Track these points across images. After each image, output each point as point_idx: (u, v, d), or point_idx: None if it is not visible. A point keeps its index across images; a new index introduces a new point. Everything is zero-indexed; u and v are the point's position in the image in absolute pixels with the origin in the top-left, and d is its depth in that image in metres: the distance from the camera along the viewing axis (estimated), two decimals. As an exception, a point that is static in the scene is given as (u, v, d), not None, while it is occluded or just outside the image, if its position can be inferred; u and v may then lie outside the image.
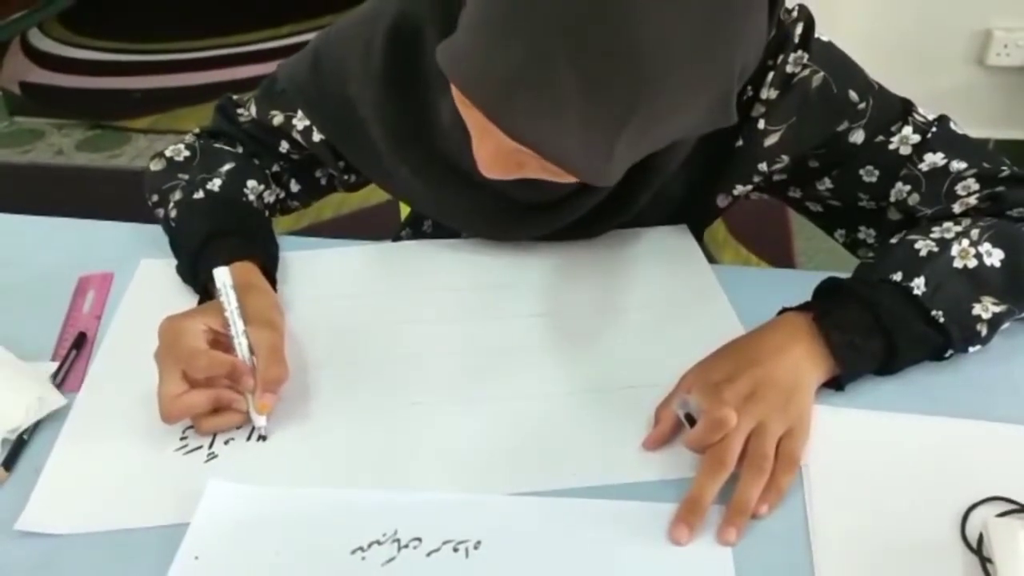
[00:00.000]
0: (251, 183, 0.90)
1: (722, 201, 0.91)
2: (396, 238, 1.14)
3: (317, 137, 0.90)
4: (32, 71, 3.48)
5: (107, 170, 2.81)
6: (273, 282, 0.84)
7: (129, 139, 2.98)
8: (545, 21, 0.54)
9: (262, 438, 0.71)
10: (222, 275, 0.74)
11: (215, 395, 0.70)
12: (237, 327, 0.72)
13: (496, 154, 0.64)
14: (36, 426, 0.72)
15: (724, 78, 0.61)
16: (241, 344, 0.72)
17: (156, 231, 0.92)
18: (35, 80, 3.40)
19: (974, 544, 0.60)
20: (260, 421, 0.71)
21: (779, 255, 2.21)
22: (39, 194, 2.71)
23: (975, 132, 0.81)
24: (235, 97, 0.96)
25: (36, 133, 3.04)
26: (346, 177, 0.96)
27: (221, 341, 0.72)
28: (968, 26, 2.36)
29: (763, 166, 0.84)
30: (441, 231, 0.99)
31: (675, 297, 0.85)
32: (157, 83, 3.35)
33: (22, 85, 3.36)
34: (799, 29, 0.79)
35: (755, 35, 0.62)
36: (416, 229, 1.10)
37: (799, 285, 0.78)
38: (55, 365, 0.78)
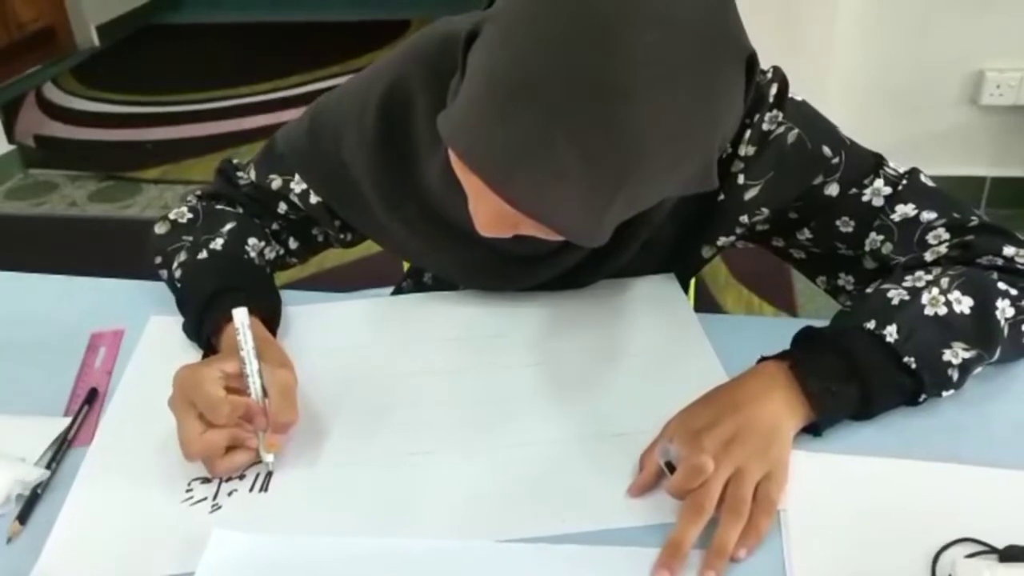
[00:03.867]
0: (252, 240, 0.94)
1: (707, 252, 0.95)
2: (398, 288, 1.18)
3: (314, 199, 0.94)
4: (46, 124, 3.56)
5: (119, 220, 2.86)
6: (274, 335, 0.88)
7: (140, 189, 3.05)
8: (547, 100, 0.59)
9: (269, 474, 0.75)
10: (241, 315, 0.78)
11: (232, 434, 0.74)
12: (252, 366, 0.76)
13: (493, 216, 0.68)
14: (49, 480, 0.75)
15: (706, 150, 0.66)
16: (255, 383, 0.76)
17: (164, 288, 0.95)
18: (49, 133, 3.48)
19: (944, 584, 0.63)
20: (269, 458, 0.75)
21: (780, 296, 2.24)
22: (54, 245, 2.76)
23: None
24: (235, 161, 1.01)
25: (50, 185, 3.11)
26: (342, 236, 1.00)
27: (233, 387, 0.76)
28: (961, 68, 2.41)
29: (744, 218, 0.88)
30: (442, 282, 1.02)
31: (661, 346, 0.88)
32: (167, 134, 3.42)
33: (36, 138, 3.43)
34: (774, 90, 0.83)
35: (734, 109, 0.67)
36: (417, 280, 1.14)
37: (784, 333, 0.80)
38: (68, 420, 0.81)
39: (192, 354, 0.87)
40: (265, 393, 0.76)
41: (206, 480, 0.75)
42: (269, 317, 0.88)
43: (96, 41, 4.42)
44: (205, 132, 3.41)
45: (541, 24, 0.60)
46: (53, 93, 3.86)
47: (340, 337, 0.92)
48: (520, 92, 0.60)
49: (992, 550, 0.65)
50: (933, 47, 2.38)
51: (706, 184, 0.69)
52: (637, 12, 0.59)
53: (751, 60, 0.67)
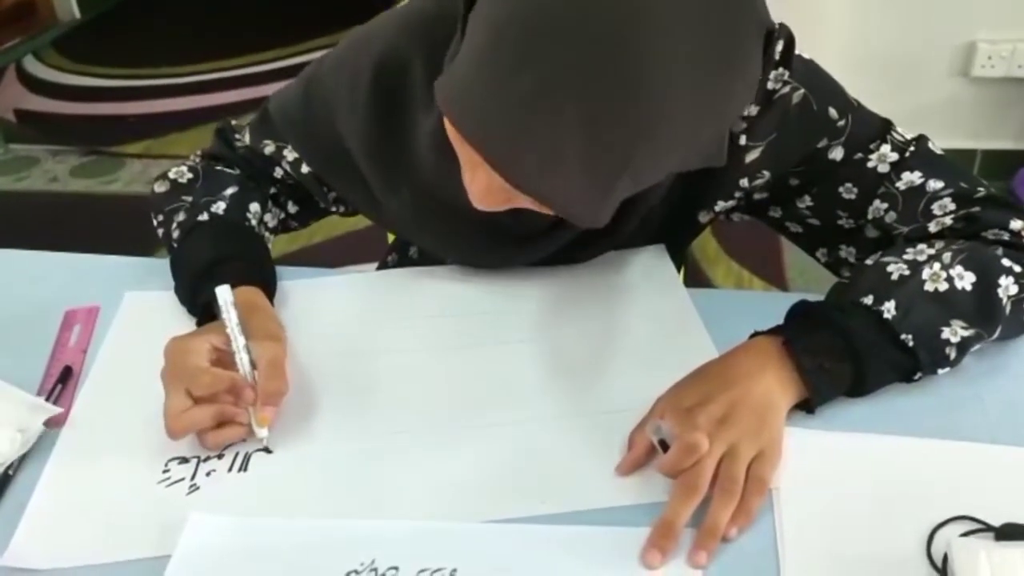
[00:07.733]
0: (253, 207, 0.92)
1: (703, 217, 0.92)
2: (382, 263, 1.16)
3: (305, 169, 0.91)
4: (27, 98, 3.50)
5: (102, 195, 2.82)
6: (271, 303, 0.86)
7: (123, 164, 3.00)
8: (552, 72, 0.56)
9: (248, 455, 0.73)
10: (224, 293, 0.76)
11: (218, 410, 0.72)
12: (238, 343, 0.75)
13: (488, 188, 0.66)
14: (22, 461, 0.73)
15: (718, 126, 0.64)
16: (243, 359, 0.74)
17: (141, 264, 0.93)
18: (30, 107, 3.43)
19: (939, 563, 0.62)
20: (262, 433, 0.73)
21: (770, 269, 2.22)
22: (35, 221, 2.72)
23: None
24: (233, 123, 0.98)
25: (31, 160, 3.06)
26: (334, 208, 0.97)
27: (224, 360, 0.74)
28: (953, 39, 2.38)
29: (744, 182, 0.85)
30: (427, 256, 1.00)
31: (650, 322, 0.86)
32: (150, 108, 3.37)
33: (17, 112, 3.38)
34: (780, 47, 0.79)
35: (750, 84, 0.64)
36: (403, 254, 1.12)
37: (775, 308, 0.78)
38: (41, 399, 0.79)
39: (169, 329, 0.83)
40: (255, 368, 0.74)
41: (183, 460, 0.73)
42: (268, 289, 0.87)
43: (77, 14, 4.34)
44: (189, 106, 3.35)
45: None
46: (34, 66, 3.80)
47: (323, 314, 0.90)
48: (523, 63, 0.57)
49: (988, 528, 0.64)
50: (924, 18, 2.35)
51: (715, 160, 0.67)
52: None
53: (769, 34, 0.65)
